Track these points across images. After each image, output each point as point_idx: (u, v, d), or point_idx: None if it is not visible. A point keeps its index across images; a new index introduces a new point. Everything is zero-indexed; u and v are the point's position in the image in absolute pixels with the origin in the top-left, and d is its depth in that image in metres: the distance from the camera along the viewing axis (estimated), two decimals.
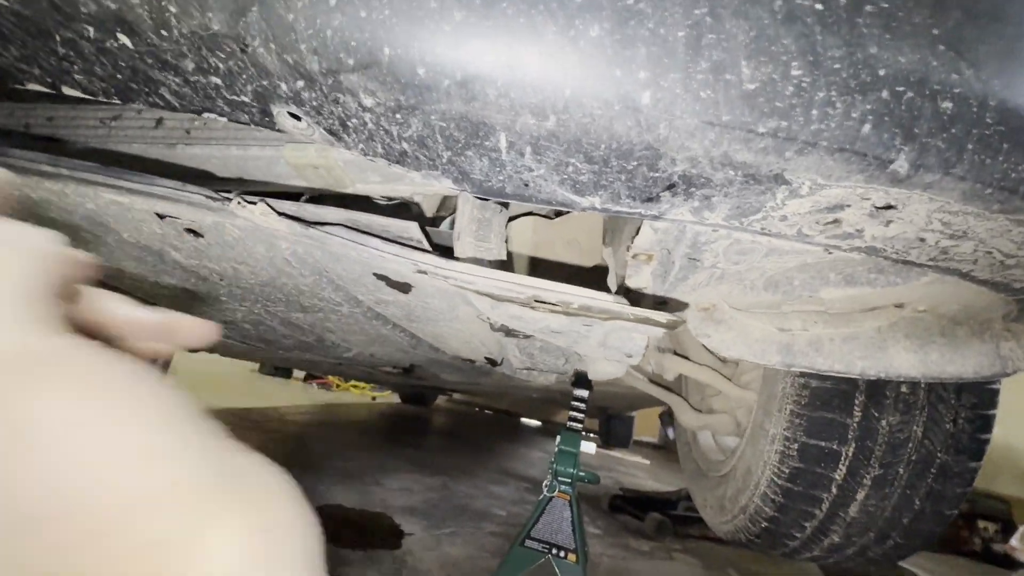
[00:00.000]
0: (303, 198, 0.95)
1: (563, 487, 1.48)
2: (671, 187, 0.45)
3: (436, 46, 0.35)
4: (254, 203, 0.60)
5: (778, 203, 0.46)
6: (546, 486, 1.51)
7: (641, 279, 0.71)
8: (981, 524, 3.58)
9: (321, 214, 0.63)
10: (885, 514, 0.97)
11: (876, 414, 0.92)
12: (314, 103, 0.42)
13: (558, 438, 1.28)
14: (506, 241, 0.66)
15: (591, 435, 5.11)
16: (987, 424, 0.91)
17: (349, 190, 0.78)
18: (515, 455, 3.73)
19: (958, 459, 0.92)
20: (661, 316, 0.68)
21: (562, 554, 1.38)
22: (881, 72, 0.37)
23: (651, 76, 0.36)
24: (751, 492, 1.07)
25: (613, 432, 5.10)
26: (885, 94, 0.37)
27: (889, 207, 0.45)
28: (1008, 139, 0.40)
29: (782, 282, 0.70)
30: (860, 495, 0.96)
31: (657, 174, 0.43)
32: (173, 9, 0.37)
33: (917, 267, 0.56)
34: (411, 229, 0.58)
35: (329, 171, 0.72)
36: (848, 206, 0.46)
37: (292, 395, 4.41)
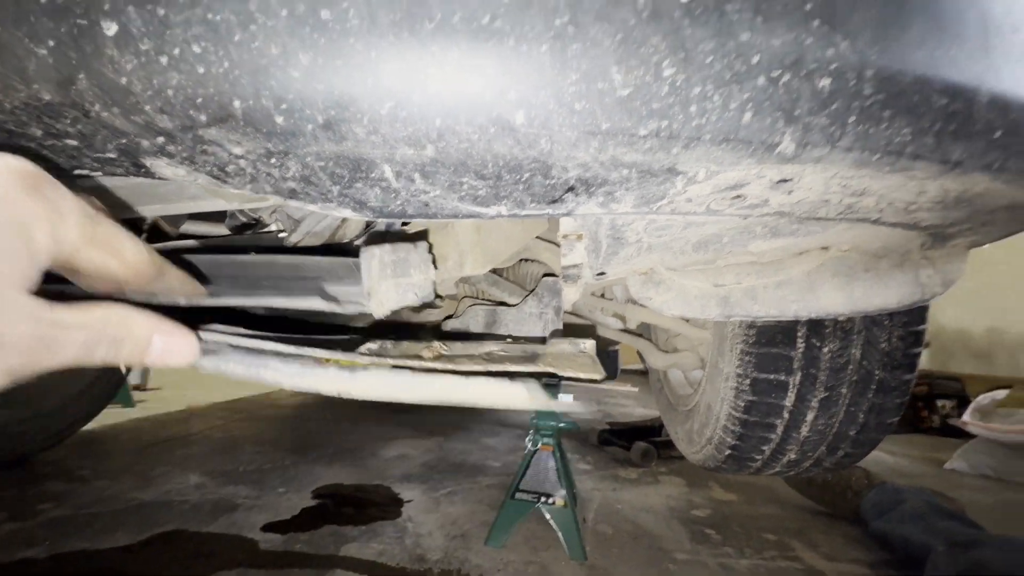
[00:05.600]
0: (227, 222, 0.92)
1: (545, 440, 1.55)
2: (571, 189, 0.44)
3: (287, 93, 0.33)
4: None
5: (679, 190, 0.46)
6: (529, 441, 1.58)
7: (576, 256, 0.72)
8: (939, 403, 3.88)
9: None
10: (833, 430, 1.05)
11: (817, 343, 0.97)
12: (183, 155, 0.40)
13: None
14: (433, 262, 0.65)
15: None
16: (918, 339, 0.97)
17: (270, 203, 0.76)
18: None
19: (894, 374, 0.99)
20: None
21: (551, 501, 1.48)
22: (755, 59, 0.36)
23: (520, 95, 0.35)
24: (713, 425, 1.14)
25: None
26: (761, 81, 0.37)
27: (785, 180, 0.46)
28: (888, 106, 0.40)
29: (711, 242, 0.71)
30: (809, 416, 1.03)
31: (553, 181, 0.42)
32: None
33: (829, 220, 0.58)
34: (314, 304, 0.58)
35: None
36: (748, 184, 0.46)
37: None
